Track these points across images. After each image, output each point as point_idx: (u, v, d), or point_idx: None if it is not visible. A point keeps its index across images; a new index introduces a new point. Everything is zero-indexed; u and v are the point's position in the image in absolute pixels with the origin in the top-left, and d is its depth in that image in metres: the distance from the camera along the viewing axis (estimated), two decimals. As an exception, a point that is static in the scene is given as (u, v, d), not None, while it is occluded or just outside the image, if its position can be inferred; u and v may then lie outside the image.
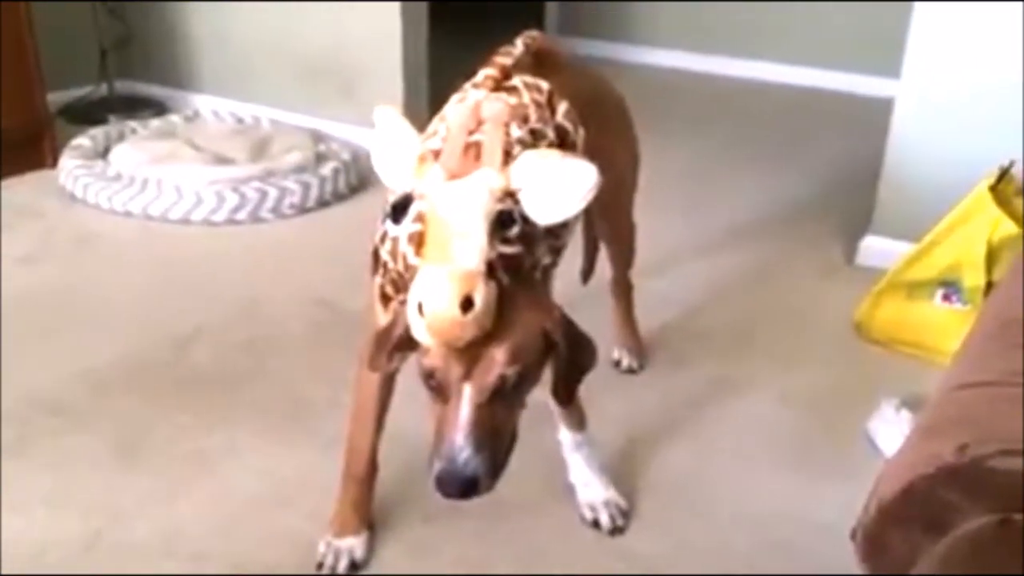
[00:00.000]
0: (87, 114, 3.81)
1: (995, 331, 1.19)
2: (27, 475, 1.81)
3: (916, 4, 2.46)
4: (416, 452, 1.82)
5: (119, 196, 2.98)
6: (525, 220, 1.25)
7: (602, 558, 1.64)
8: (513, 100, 1.40)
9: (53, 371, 2.13)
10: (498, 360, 1.19)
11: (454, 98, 1.45)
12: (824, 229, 2.96)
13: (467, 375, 1.19)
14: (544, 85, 1.48)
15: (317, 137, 3.45)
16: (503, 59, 1.49)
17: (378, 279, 1.38)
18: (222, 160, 3.18)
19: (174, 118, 3.64)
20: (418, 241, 1.24)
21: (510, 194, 1.23)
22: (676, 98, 4.53)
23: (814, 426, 2.01)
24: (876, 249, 2.66)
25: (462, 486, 1.19)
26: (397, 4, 3.36)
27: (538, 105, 1.43)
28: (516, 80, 1.46)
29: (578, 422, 1.73)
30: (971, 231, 2.20)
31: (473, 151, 1.26)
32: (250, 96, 3.81)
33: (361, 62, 3.51)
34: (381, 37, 3.43)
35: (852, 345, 2.33)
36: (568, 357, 1.28)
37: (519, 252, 1.25)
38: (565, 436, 1.74)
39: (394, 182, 1.32)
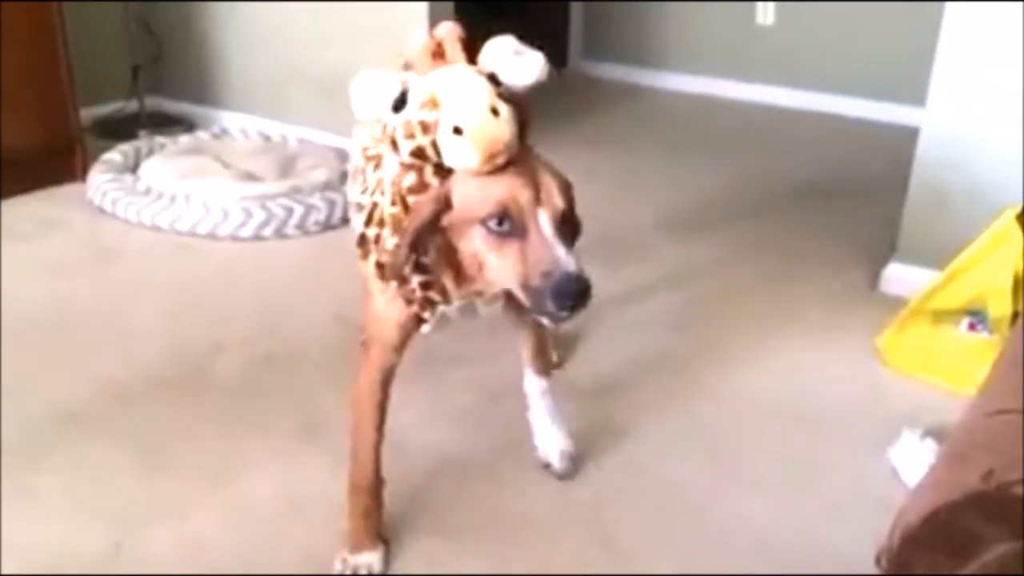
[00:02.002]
0: (117, 129, 3.88)
1: (1022, 360, 1.17)
2: (48, 485, 1.82)
3: (942, 32, 2.46)
4: (421, 464, 1.84)
5: (147, 210, 3.02)
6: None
7: (618, 580, 1.63)
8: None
9: (75, 381, 2.15)
10: (554, 188, 1.31)
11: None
12: (848, 255, 2.95)
13: (537, 201, 1.29)
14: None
15: (342, 155, 3.47)
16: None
17: (372, 257, 1.47)
18: (250, 177, 3.22)
19: (203, 135, 3.69)
20: (418, 172, 1.37)
21: (488, 76, 1.38)
22: (702, 123, 4.53)
23: (835, 452, 1.99)
24: (900, 276, 2.65)
25: (581, 289, 1.25)
26: (423, 24, 3.39)
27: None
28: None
29: (544, 368, 1.87)
30: (997, 260, 2.18)
31: (440, 61, 1.46)
32: (277, 114, 3.86)
33: (388, 82, 3.54)
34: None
35: (874, 372, 2.31)
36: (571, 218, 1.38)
37: (515, 103, 1.36)
38: (531, 382, 1.87)
39: (369, 112, 1.41)
